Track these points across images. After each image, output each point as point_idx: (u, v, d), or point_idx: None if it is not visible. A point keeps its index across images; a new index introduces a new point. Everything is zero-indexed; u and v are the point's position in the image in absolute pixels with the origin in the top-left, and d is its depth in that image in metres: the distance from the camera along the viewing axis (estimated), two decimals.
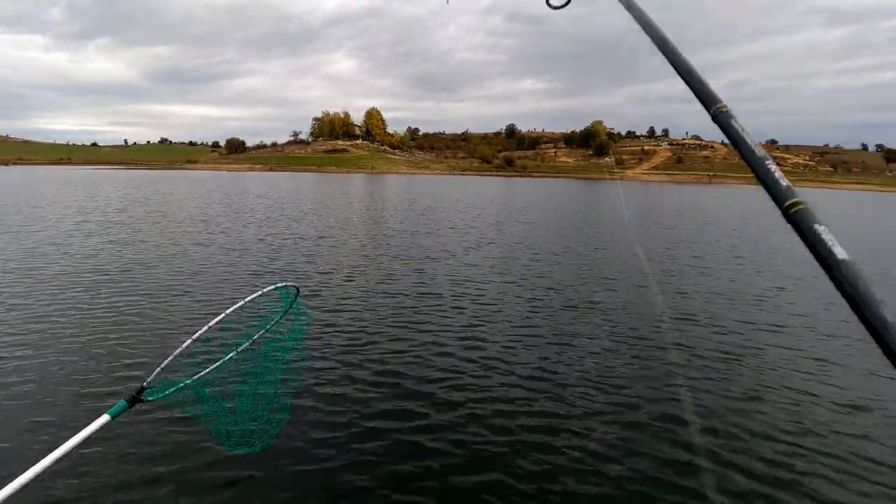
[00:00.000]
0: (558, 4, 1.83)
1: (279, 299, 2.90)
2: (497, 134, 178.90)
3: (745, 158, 0.87)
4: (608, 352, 7.67)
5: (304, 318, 3.06)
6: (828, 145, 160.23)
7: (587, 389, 6.31)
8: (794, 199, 0.77)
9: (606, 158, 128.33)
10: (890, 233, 27.32)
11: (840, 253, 0.70)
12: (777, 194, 0.80)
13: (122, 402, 2.13)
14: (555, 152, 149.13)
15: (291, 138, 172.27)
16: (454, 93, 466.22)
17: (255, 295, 2.50)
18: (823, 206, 45.90)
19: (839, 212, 43.50)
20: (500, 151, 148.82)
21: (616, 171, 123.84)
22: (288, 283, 2.89)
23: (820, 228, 0.74)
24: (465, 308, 9.79)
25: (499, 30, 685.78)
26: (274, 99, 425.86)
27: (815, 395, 6.40)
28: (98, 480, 4.25)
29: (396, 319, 8.91)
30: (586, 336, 8.37)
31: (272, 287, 2.71)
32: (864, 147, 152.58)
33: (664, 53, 1.13)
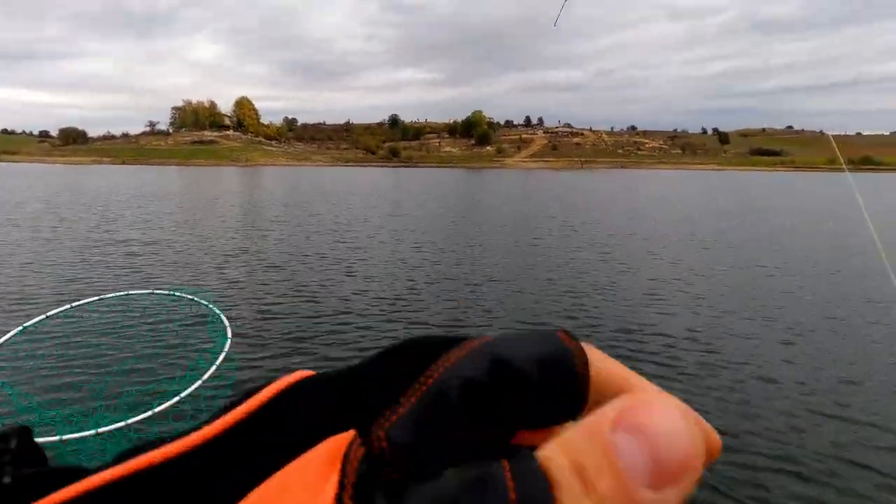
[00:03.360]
0: None
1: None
2: (380, 124, 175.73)
3: None
4: None
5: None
6: (676, 130, 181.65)
7: None
8: None
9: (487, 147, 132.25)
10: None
11: None
12: None
13: None
14: (439, 142, 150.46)
15: (147, 129, 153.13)
16: (334, 82, 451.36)
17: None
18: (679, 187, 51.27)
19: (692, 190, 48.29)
20: (384, 142, 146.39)
21: (495, 159, 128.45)
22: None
23: None
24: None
25: (375, 19, 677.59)
26: (122, 85, 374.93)
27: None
28: None
29: None
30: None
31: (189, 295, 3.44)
32: (704, 131, 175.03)
33: None
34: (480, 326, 7.84)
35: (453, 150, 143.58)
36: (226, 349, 3.10)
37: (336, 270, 11.25)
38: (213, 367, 3.00)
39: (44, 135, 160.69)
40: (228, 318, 3.58)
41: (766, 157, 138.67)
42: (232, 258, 12.21)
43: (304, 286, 9.86)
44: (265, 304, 8.61)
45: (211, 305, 3.59)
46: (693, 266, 12.02)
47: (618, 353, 6.26)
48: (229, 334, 3.25)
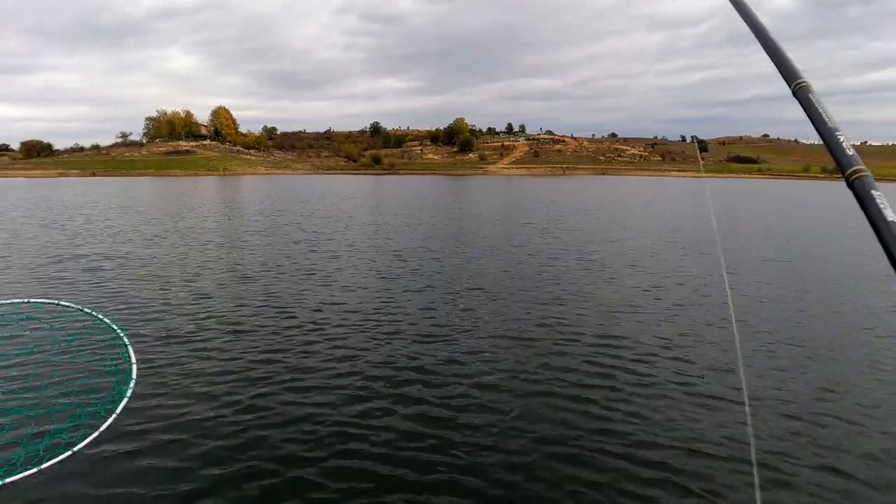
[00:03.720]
0: None
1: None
2: (362, 132, 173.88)
3: (817, 129, 0.96)
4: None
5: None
6: (656, 137, 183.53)
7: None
8: (857, 167, 0.84)
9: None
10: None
11: (890, 216, 0.76)
12: (843, 162, 0.87)
13: None
14: (421, 150, 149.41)
15: (119, 140, 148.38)
16: (313, 91, 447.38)
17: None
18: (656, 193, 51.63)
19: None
20: (365, 150, 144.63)
21: (477, 166, 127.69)
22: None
23: (876, 194, 0.80)
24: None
25: (354, 29, 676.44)
26: (91, 98, 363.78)
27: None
28: None
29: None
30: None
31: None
32: (683, 139, 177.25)
33: (754, 32, 1.20)
34: (458, 335, 7.81)
35: (435, 157, 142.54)
36: (127, 396, 2.51)
37: (312, 281, 11.09)
38: (112, 417, 2.45)
39: (3, 148, 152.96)
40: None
41: (742, 165, 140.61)
42: (203, 270, 11.75)
43: (275, 297, 9.70)
44: (234, 318, 8.42)
45: (121, 334, 2.85)
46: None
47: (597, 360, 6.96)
48: (134, 374, 2.64)
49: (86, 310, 2.90)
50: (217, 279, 11.13)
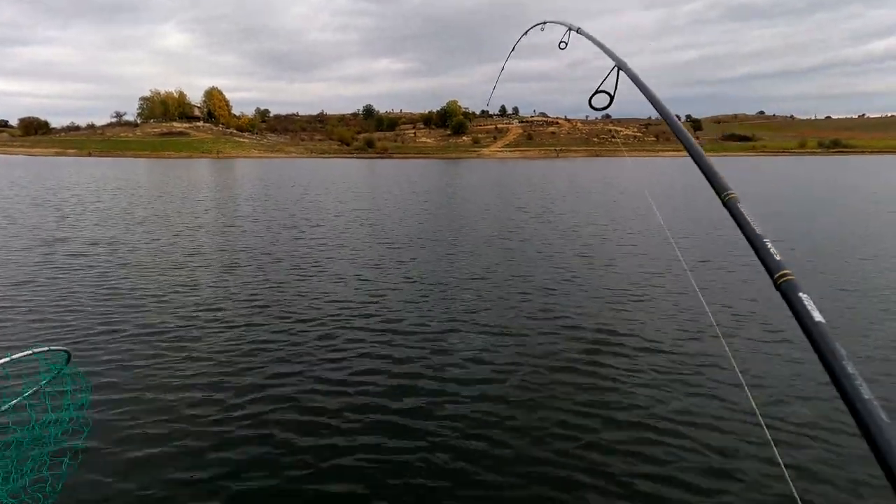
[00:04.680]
0: (600, 107, 2.00)
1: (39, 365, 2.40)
2: (354, 115, 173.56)
3: (745, 234, 1.04)
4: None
5: (78, 392, 2.53)
6: (650, 118, 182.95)
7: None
8: (783, 271, 0.91)
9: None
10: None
11: (817, 316, 0.82)
12: (770, 265, 0.94)
13: None
14: (414, 133, 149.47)
15: (114, 119, 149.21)
16: (307, 73, 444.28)
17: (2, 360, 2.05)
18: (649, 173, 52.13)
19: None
20: (358, 133, 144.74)
21: (471, 149, 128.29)
22: (52, 348, 2.39)
23: (803, 296, 0.85)
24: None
25: (348, 9, 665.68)
26: (87, 74, 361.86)
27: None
28: None
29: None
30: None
31: (27, 353, 2.20)
32: (678, 117, 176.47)
33: (681, 140, 1.41)
34: (450, 328, 7.76)
35: (429, 140, 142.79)
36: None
37: (303, 272, 10.90)
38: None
39: (2, 124, 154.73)
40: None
41: (737, 143, 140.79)
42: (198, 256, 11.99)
43: (264, 289, 9.57)
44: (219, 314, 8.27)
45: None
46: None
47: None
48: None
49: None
50: (214, 270, 11.28)
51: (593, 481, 4.24)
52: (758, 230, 1.04)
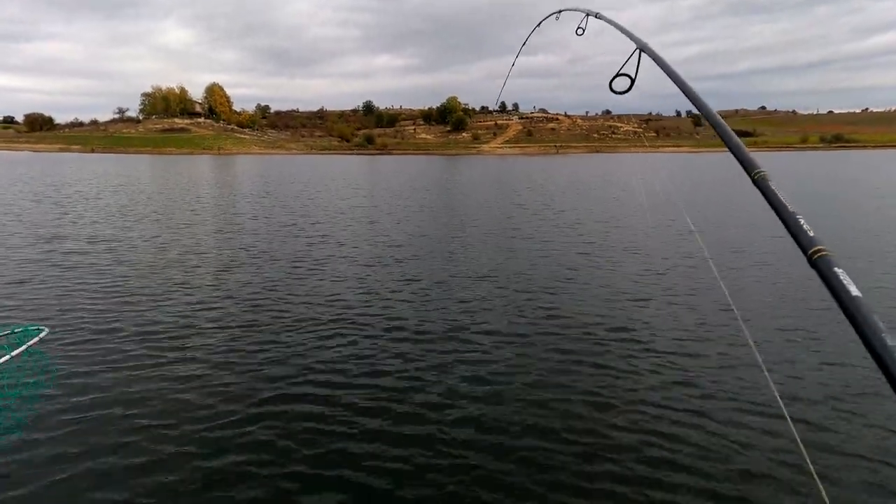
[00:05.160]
0: (621, 90, 1.97)
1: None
2: (354, 111, 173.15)
3: (777, 212, 1.02)
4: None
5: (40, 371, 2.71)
6: (650, 113, 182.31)
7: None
8: (818, 247, 0.89)
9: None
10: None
11: (854, 291, 0.80)
12: (804, 242, 0.93)
13: None
14: (414, 129, 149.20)
15: (116, 115, 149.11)
16: (307, 68, 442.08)
17: None
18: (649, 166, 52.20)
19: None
20: (358, 129, 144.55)
21: (471, 145, 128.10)
22: (31, 327, 2.64)
23: (838, 271, 0.83)
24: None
25: (349, 5, 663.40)
26: (89, 70, 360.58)
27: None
28: None
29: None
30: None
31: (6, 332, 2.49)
32: (678, 114, 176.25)
33: (713, 126, 1.42)
34: (452, 326, 7.63)
35: (428, 137, 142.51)
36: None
37: (302, 269, 10.76)
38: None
39: (8, 120, 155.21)
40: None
41: (739, 138, 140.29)
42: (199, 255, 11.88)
43: (264, 288, 9.40)
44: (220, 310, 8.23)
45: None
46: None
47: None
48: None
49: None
50: (211, 269, 11.15)
51: (609, 484, 4.11)
52: (790, 207, 1.02)
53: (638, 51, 1.88)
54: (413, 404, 5.35)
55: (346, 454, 4.51)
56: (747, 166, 1.20)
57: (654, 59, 1.80)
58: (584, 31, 2.64)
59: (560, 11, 3.27)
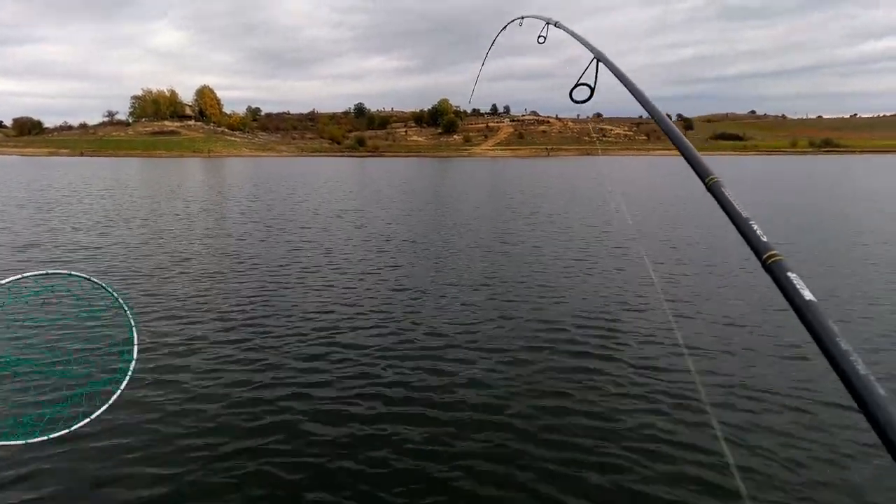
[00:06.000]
0: (580, 99, 1.97)
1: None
2: (346, 113, 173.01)
3: (731, 218, 1.03)
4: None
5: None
6: (641, 117, 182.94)
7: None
8: (771, 252, 0.90)
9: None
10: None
11: (808, 296, 0.81)
12: (757, 247, 0.93)
13: None
14: (405, 131, 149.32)
15: (106, 119, 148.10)
16: (300, 70, 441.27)
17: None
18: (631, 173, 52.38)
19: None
20: (349, 131, 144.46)
21: (462, 148, 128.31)
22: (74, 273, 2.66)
23: (792, 276, 0.85)
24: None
25: (344, 5, 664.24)
26: (81, 73, 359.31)
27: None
28: None
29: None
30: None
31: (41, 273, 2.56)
32: (669, 117, 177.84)
33: (666, 132, 1.44)
34: (438, 337, 7.37)
35: (420, 139, 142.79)
36: (128, 376, 2.56)
37: (292, 278, 10.42)
38: (117, 394, 2.51)
39: None
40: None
41: (729, 142, 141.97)
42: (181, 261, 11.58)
43: (270, 293, 9.26)
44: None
45: (125, 306, 2.80)
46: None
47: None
48: (135, 353, 2.64)
49: (95, 280, 2.73)
50: (197, 276, 10.84)
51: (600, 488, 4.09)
52: (743, 213, 1.02)
53: (595, 60, 1.85)
54: (403, 409, 5.32)
55: (345, 455, 4.47)
56: (701, 173, 1.19)
57: (609, 68, 1.77)
58: (545, 39, 2.60)
59: (523, 18, 3.24)
